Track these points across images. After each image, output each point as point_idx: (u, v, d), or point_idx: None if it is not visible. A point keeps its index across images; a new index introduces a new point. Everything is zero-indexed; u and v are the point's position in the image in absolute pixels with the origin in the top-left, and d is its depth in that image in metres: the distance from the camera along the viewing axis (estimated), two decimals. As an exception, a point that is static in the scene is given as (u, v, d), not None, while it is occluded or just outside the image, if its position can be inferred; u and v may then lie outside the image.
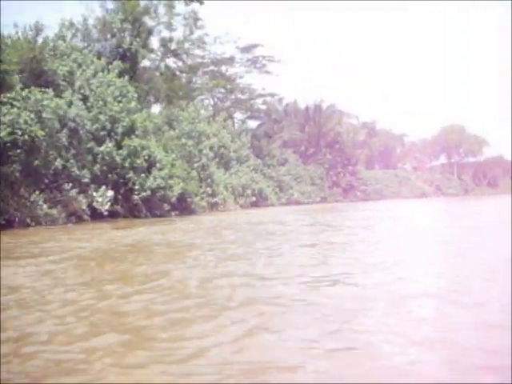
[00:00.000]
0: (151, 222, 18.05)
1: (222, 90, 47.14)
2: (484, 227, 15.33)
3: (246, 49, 45.71)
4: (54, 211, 15.89)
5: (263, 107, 50.23)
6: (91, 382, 3.11)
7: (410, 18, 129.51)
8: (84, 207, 17.06)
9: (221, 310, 4.82)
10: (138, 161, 19.35)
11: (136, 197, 19.43)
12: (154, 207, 20.36)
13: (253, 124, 55.52)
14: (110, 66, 22.94)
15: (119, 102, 20.60)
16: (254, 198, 33.80)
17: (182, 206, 22.54)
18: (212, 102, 46.28)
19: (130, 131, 20.40)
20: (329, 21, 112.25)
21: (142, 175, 19.41)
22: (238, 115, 55.02)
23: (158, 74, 31.15)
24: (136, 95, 22.62)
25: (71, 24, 28.29)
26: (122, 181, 19.90)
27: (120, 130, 19.97)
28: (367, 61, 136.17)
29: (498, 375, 3.11)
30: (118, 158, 19.08)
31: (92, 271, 7.59)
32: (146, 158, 19.69)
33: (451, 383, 3.10)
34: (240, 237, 12.51)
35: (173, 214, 21.62)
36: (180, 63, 33.56)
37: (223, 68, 48.58)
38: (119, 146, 19.78)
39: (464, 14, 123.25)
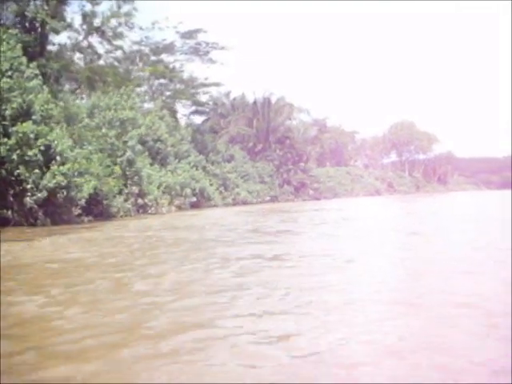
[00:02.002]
0: (45, 231, 13.76)
1: (162, 81, 42.82)
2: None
3: (187, 34, 41.52)
4: None
5: (206, 98, 46.14)
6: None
7: (358, 12, 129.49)
8: None
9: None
10: (31, 152, 14.92)
11: (29, 199, 15.02)
12: (56, 212, 16.00)
13: (199, 119, 51.71)
14: (4, 36, 18.30)
15: (9, 77, 16.10)
16: (194, 199, 29.80)
17: (98, 210, 18.31)
18: (150, 93, 41.75)
19: (24, 115, 15.94)
20: (277, 9, 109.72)
21: (37, 171, 15.01)
22: (182, 109, 50.86)
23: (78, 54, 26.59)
24: (38, 72, 18.11)
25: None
26: (12, 179, 15.44)
27: (9, 112, 15.46)
28: (318, 55, 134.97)
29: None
30: (1, 149, 14.60)
31: None
32: (43, 149, 15.29)
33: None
34: (128, 255, 8.63)
35: (85, 219, 17.36)
36: (106, 44, 28.87)
37: (163, 56, 44.27)
38: (7, 134, 15.31)
39: (410, 12, 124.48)
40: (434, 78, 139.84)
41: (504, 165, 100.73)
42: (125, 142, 21.71)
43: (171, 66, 43.48)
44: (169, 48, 43.11)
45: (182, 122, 46.32)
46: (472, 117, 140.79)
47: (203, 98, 44.81)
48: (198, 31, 41.26)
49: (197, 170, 31.92)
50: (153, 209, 22.74)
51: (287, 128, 51.49)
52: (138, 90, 41.17)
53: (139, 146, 22.56)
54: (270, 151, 47.37)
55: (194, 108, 50.27)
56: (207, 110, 52.55)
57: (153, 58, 43.41)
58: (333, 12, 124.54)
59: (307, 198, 46.37)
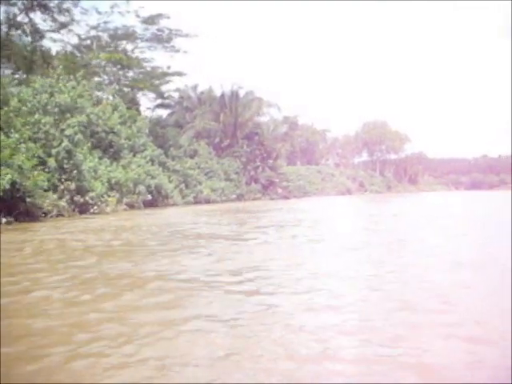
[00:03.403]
0: None
1: (121, 69, 39.68)
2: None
3: (149, 19, 38.56)
4: None
5: (168, 89, 43.32)
6: None
7: (333, 7, 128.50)
8: None
9: None
10: None
11: None
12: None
13: (164, 113, 48.91)
14: None
15: None
16: (149, 196, 27.08)
17: (21, 209, 15.43)
18: (107, 82, 38.58)
19: None
20: None
21: None
22: (147, 103, 47.87)
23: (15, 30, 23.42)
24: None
25: None
26: None
27: None
28: (289, 51, 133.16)
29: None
30: None
31: None
32: None
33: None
34: None
35: (3, 220, 14.50)
36: (50, 21, 25.69)
37: (123, 43, 41.20)
38: None
39: (383, 10, 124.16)
40: (408, 78, 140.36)
41: (473, 166, 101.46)
42: (62, 131, 18.83)
43: (131, 53, 40.59)
44: (129, 34, 40.13)
45: (149, 116, 43.52)
46: (443, 117, 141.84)
47: (165, 88, 41.87)
48: (159, 16, 38.38)
49: (153, 165, 29.16)
50: (96, 208, 19.89)
51: (256, 124, 49.09)
52: (97, 79, 38.19)
53: (80, 136, 19.65)
54: (237, 147, 44.90)
55: (159, 101, 47.60)
56: (172, 103, 49.91)
57: (112, 44, 40.48)
58: (306, 5, 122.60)
59: (276, 197, 44.19)
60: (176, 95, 49.82)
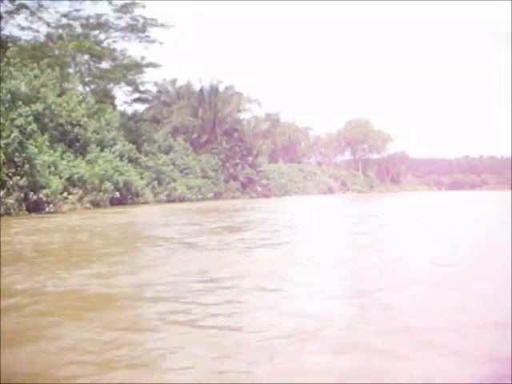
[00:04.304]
0: None
1: (92, 59, 37.61)
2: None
3: (123, 8, 36.58)
4: None
5: (143, 81, 41.31)
6: None
7: (316, 4, 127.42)
8: None
9: None
10: None
11: None
12: None
13: (142, 108, 46.89)
14: None
15: None
16: (117, 194, 25.29)
17: (-43, 207, 13.60)
18: (76, 73, 36.47)
19: None
20: None
21: None
22: (123, 97, 45.82)
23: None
24: None
25: None
26: None
27: None
28: (273, 47, 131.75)
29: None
30: None
31: None
32: None
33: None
34: None
35: None
36: (8, 2, 23.65)
37: (96, 33, 39.16)
38: None
39: (358, 8, 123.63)
40: (390, 77, 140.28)
41: (454, 166, 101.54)
42: (12, 121, 16.95)
43: (105, 43, 38.60)
44: (102, 23, 38.09)
45: (125, 110, 41.53)
46: (425, 117, 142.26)
47: (140, 81, 39.87)
48: (134, 5, 36.40)
49: (122, 160, 27.32)
50: (51, 206, 18.04)
51: (236, 120, 47.47)
52: (70, 70, 36.16)
53: (33, 127, 17.77)
54: (215, 143, 43.20)
55: (136, 95, 45.58)
56: (150, 97, 47.92)
57: (83, 33, 38.47)
58: (288, 1, 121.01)
59: (255, 196, 42.64)
60: (154, 89, 48.03)
